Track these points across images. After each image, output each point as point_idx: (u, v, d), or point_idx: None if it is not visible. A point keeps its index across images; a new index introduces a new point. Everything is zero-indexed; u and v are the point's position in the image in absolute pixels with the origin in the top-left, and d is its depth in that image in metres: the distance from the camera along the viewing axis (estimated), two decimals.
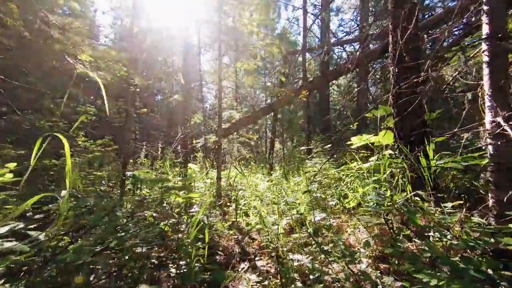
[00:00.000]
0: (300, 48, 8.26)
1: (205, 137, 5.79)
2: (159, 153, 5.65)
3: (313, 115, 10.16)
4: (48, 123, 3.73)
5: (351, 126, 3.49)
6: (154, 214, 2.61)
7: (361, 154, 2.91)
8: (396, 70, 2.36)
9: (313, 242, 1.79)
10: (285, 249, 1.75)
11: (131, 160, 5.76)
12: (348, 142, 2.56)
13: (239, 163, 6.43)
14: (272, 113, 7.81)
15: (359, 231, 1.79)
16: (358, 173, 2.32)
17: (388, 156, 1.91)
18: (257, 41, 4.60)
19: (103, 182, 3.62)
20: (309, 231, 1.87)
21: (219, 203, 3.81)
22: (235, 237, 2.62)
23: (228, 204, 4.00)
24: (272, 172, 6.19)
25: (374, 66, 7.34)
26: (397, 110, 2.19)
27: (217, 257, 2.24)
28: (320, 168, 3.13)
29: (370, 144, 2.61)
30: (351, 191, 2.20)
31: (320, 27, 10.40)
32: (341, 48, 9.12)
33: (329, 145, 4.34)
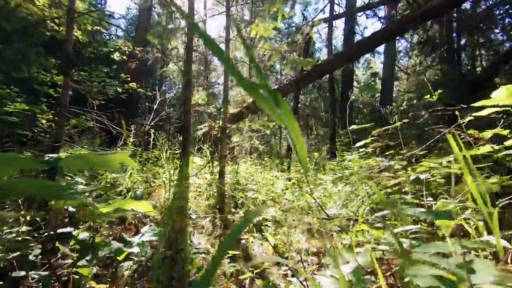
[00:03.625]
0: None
1: (209, 121, 4.66)
2: (143, 134, 4.55)
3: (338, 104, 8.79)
4: None
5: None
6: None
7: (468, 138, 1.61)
8: None
9: None
10: None
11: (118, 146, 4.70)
12: (474, 104, 1.22)
13: (250, 156, 5.27)
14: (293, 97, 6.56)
15: None
16: None
17: None
18: None
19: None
20: None
21: (219, 208, 2.66)
22: (240, 280, 1.44)
23: (233, 210, 2.83)
24: (291, 168, 5.00)
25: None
26: None
27: None
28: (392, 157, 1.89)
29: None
30: None
31: None
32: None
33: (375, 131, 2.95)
